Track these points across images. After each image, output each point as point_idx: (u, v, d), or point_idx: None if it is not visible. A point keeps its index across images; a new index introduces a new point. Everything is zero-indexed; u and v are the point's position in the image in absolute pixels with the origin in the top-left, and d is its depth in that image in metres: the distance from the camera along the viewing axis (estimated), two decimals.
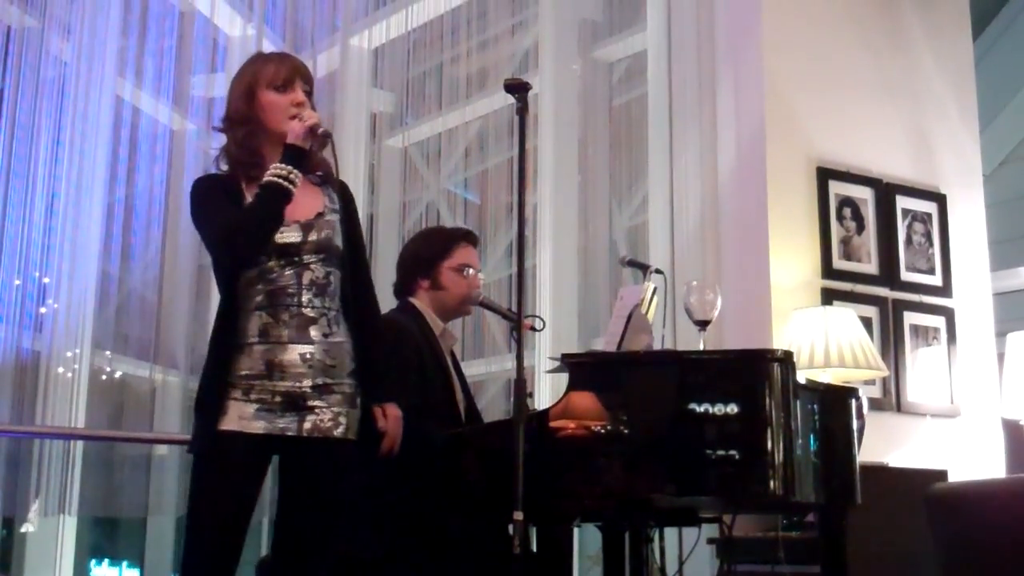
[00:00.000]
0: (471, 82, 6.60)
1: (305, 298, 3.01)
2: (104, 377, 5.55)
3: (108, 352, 5.56)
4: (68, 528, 5.33)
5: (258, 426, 2.92)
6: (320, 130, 3.02)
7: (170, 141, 5.91)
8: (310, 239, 3.04)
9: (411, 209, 6.91)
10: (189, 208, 3.09)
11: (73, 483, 5.13)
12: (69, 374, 5.17)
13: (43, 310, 5.24)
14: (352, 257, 3.16)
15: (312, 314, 3.01)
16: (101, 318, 5.43)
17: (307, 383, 2.97)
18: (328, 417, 3.00)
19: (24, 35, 5.37)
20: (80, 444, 5.17)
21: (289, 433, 2.95)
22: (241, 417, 2.92)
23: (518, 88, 3.16)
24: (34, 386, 5.10)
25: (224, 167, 3.12)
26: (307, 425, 2.97)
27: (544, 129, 6.06)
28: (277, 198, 2.96)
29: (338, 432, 3.01)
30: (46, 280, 5.23)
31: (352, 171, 6.34)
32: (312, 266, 3.04)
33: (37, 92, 5.32)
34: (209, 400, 2.95)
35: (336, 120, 6.46)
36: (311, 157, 3.07)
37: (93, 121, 5.35)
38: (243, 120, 3.08)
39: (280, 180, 2.95)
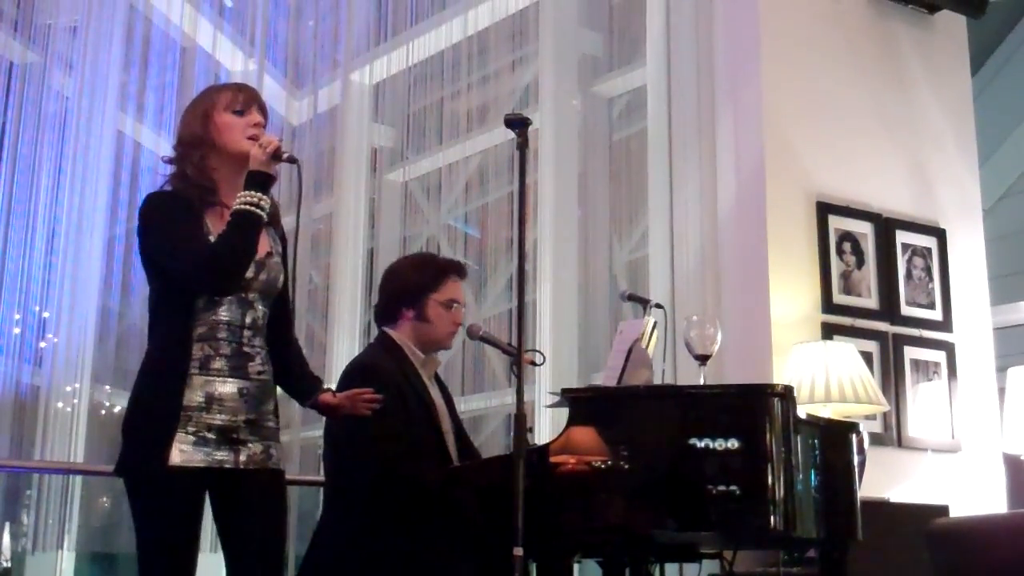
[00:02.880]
0: (471, 117, 6.63)
1: (246, 335, 3.02)
2: (103, 412, 5.54)
3: (108, 387, 5.55)
4: (66, 563, 5.30)
5: (198, 459, 2.91)
6: (285, 155, 3.00)
7: None
8: (260, 278, 3.05)
9: (411, 243, 6.92)
10: (140, 223, 3.02)
11: (71, 518, 5.11)
12: (68, 409, 5.16)
13: (43, 344, 5.23)
14: (282, 294, 3.17)
15: (249, 351, 3.03)
16: (101, 352, 5.42)
17: (241, 418, 2.98)
18: (260, 450, 3.02)
19: (26, 70, 5.39)
20: (79, 479, 5.15)
21: (227, 465, 2.95)
22: (182, 451, 2.89)
23: (518, 123, 3.16)
24: (33, 421, 5.08)
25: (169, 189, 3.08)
26: (243, 457, 2.98)
27: (544, 164, 6.08)
28: (251, 225, 2.93)
29: (271, 464, 3.04)
30: (46, 315, 5.23)
31: (352, 205, 6.36)
32: (256, 305, 3.05)
33: (39, 127, 5.33)
34: (154, 428, 2.90)
35: (336, 155, 6.48)
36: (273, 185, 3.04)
37: (94, 156, 5.36)
38: (198, 142, 3.05)
39: (251, 207, 2.92)
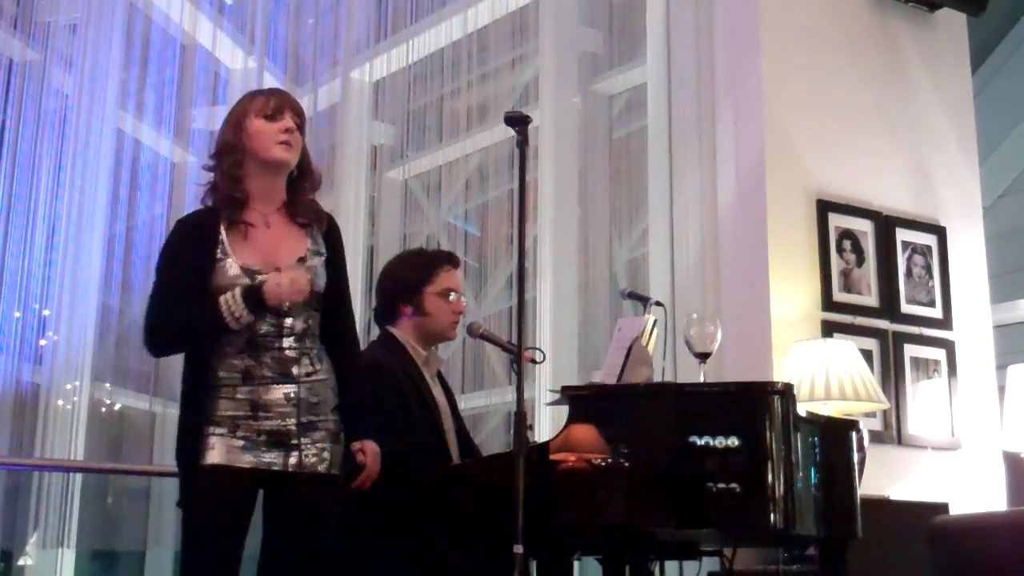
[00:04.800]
0: (471, 115, 6.62)
1: (286, 343, 3.02)
2: (104, 409, 5.54)
3: (108, 384, 5.55)
4: (67, 561, 5.30)
5: (245, 460, 2.94)
6: (285, 307, 2.99)
7: (171, 173, 5.92)
8: None
9: (411, 241, 6.91)
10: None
11: (72, 516, 5.11)
12: (68, 406, 5.16)
13: (43, 342, 5.23)
14: (334, 295, 3.17)
15: (293, 355, 3.02)
16: (101, 350, 5.42)
17: (292, 421, 2.99)
18: (312, 453, 3.01)
19: (26, 68, 5.39)
20: (79, 476, 5.15)
21: (275, 468, 2.96)
22: (228, 451, 2.93)
23: (518, 121, 3.16)
24: (33, 418, 5.09)
25: (210, 203, 3.12)
26: (292, 460, 2.98)
27: (544, 162, 6.07)
28: (213, 327, 2.96)
29: (322, 468, 3.03)
30: (46, 312, 5.23)
31: (352, 203, 6.35)
32: (291, 313, 3.04)
33: (38, 125, 5.33)
34: (191, 446, 2.96)
35: (336, 152, 6.48)
36: (300, 194, 3.10)
37: (94, 153, 5.36)
38: (230, 149, 3.09)
39: (228, 316, 2.93)
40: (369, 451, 3.14)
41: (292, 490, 3.00)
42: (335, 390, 3.11)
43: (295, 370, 3.01)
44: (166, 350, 3.20)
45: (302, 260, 3.09)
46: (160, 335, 3.06)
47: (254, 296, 2.94)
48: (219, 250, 3.02)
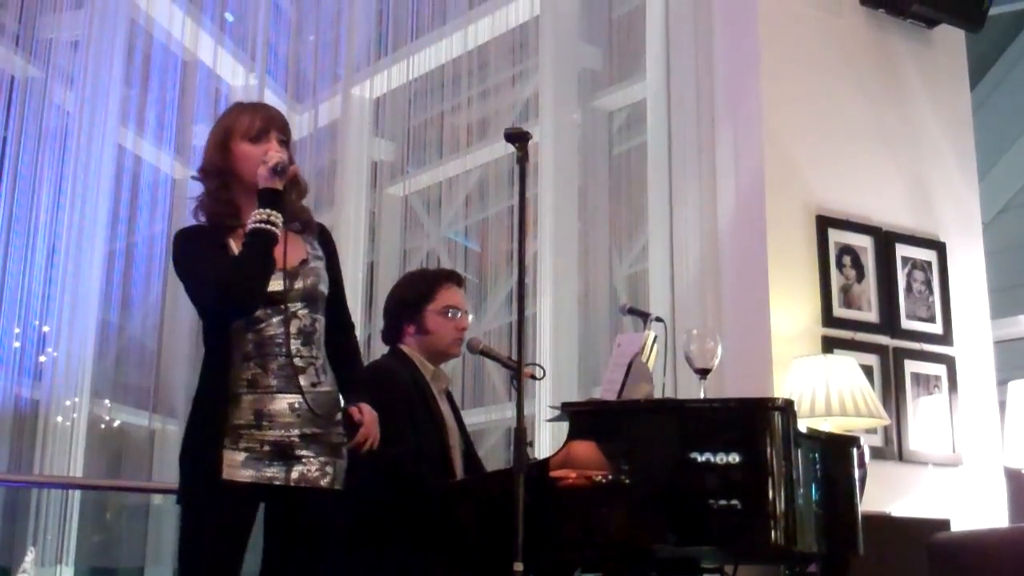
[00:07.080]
0: (472, 131, 6.63)
1: (294, 347, 3.01)
2: (103, 426, 5.54)
3: (107, 401, 5.55)
4: None
5: (246, 474, 2.92)
6: (280, 166, 2.99)
7: (171, 190, 5.93)
8: (295, 287, 3.04)
9: (412, 257, 6.92)
10: (173, 259, 3.07)
11: (71, 533, 5.10)
12: (68, 423, 5.16)
13: (42, 358, 5.23)
14: (334, 301, 3.18)
15: (300, 363, 3.01)
16: (100, 367, 5.42)
17: (295, 432, 2.97)
18: (315, 467, 3.00)
19: (27, 85, 5.40)
20: (78, 493, 5.15)
21: (277, 482, 2.95)
22: (229, 465, 2.91)
23: (518, 137, 3.17)
24: (32, 435, 5.08)
25: (202, 218, 3.11)
26: (294, 475, 2.97)
27: (544, 178, 6.08)
28: (265, 243, 2.94)
29: (324, 482, 3.02)
30: (46, 329, 5.23)
31: (353, 219, 6.36)
32: (299, 314, 3.04)
33: (39, 141, 5.34)
34: (202, 452, 2.93)
35: (337, 169, 6.49)
36: (287, 201, 3.05)
37: (95, 170, 5.37)
38: (217, 172, 3.08)
39: (263, 225, 2.94)
40: (366, 412, 3.10)
41: (294, 505, 2.99)
42: (338, 403, 3.10)
43: (301, 380, 3.00)
44: (250, 296, 2.95)
45: (304, 262, 3.10)
46: (234, 283, 2.93)
47: (261, 198, 2.96)
48: (227, 250, 3.02)
